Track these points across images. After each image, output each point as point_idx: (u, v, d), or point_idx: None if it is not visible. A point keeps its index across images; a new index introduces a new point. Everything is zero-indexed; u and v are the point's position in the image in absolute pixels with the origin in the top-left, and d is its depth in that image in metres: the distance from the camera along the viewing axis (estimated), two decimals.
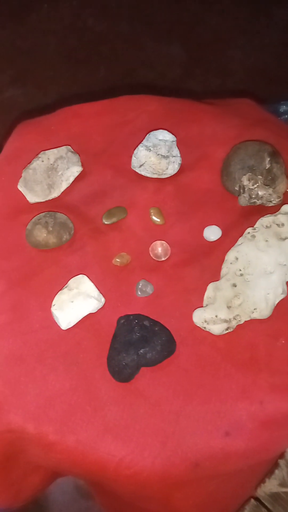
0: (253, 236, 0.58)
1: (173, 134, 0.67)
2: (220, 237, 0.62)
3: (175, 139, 0.67)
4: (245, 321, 0.55)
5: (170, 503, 0.54)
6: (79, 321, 0.57)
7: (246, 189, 0.59)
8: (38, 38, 1.53)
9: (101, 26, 1.55)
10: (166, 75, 1.43)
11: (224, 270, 0.58)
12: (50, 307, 0.58)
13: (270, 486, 0.53)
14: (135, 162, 0.66)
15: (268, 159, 0.60)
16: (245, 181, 0.59)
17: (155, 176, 0.66)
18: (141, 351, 0.53)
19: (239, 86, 1.37)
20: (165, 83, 1.42)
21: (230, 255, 0.58)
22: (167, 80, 1.43)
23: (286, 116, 1.17)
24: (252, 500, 0.53)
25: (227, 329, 0.55)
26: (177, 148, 0.66)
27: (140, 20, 1.55)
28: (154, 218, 0.64)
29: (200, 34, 1.50)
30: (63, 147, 0.68)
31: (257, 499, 0.53)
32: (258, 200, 0.60)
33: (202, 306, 0.57)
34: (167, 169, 0.65)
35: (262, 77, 1.40)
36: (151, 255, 0.62)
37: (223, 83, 1.39)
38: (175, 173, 0.66)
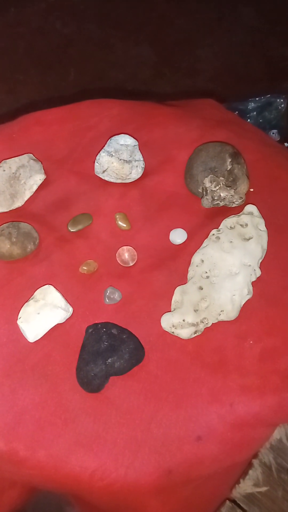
0: (218, 238, 0.58)
1: (135, 137, 0.67)
2: (186, 239, 0.61)
3: (136, 143, 0.66)
4: (213, 323, 0.55)
5: (146, 511, 0.53)
6: (47, 332, 0.57)
7: (208, 191, 0.59)
8: (5, 42, 1.51)
9: (70, 28, 1.54)
10: (136, 77, 1.43)
11: (190, 273, 0.58)
12: (17, 319, 0.57)
13: (245, 487, 0.53)
14: (98, 168, 0.65)
15: (229, 160, 0.60)
16: (207, 183, 0.59)
17: (119, 181, 0.66)
18: (109, 360, 0.52)
19: (208, 85, 1.38)
20: (136, 84, 1.42)
21: (196, 258, 0.58)
22: (138, 82, 1.42)
23: (255, 113, 1.18)
24: (228, 502, 0.53)
25: (195, 332, 0.55)
26: (139, 152, 0.66)
27: (108, 21, 1.54)
28: (120, 223, 0.63)
29: (168, 35, 1.50)
30: (24, 155, 0.67)
31: (232, 500, 0.54)
32: (220, 201, 0.60)
33: (170, 311, 0.56)
34: (130, 173, 0.65)
35: (231, 76, 1.40)
36: (118, 261, 0.61)
37: (192, 83, 1.39)
38: (139, 177, 0.66)
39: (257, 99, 1.20)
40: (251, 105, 1.19)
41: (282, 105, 1.21)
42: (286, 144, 1.16)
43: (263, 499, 0.53)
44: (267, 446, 0.55)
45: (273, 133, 1.20)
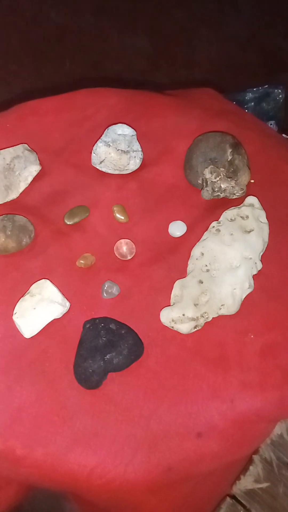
0: (218, 230, 0.57)
1: (134, 127, 0.65)
2: (185, 232, 0.60)
3: (135, 133, 0.64)
4: (213, 318, 0.54)
5: (146, 508, 0.53)
6: (44, 328, 0.55)
7: (208, 182, 0.58)
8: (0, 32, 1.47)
9: (64, 18, 1.51)
10: (132, 67, 1.41)
11: (190, 266, 0.57)
12: (12, 315, 0.55)
13: (246, 483, 0.52)
14: (95, 159, 0.64)
15: (230, 150, 0.59)
16: (207, 174, 0.58)
17: (116, 172, 0.64)
18: (108, 356, 0.51)
19: (205, 76, 1.36)
20: (131, 75, 1.39)
21: (196, 251, 0.57)
22: (134, 72, 1.40)
23: (252, 103, 1.16)
24: (228, 498, 0.53)
25: (195, 327, 0.54)
26: (137, 142, 0.64)
27: (104, 11, 1.51)
28: (118, 215, 0.62)
29: (165, 25, 1.48)
30: (19, 145, 0.65)
31: (233, 497, 0.53)
32: (221, 193, 0.59)
33: (170, 305, 0.55)
34: (128, 164, 0.63)
35: (228, 67, 1.39)
36: (116, 255, 0.60)
37: (189, 74, 1.37)
38: (137, 168, 0.64)
39: (254, 89, 1.19)
40: (249, 95, 1.18)
41: (280, 96, 1.20)
42: (284, 135, 1.15)
43: (263, 495, 0.53)
44: (267, 442, 0.54)
45: (270, 124, 1.19)
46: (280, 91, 1.19)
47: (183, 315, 0.53)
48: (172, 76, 1.38)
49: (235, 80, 1.34)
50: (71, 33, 1.47)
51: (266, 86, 1.19)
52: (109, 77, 1.37)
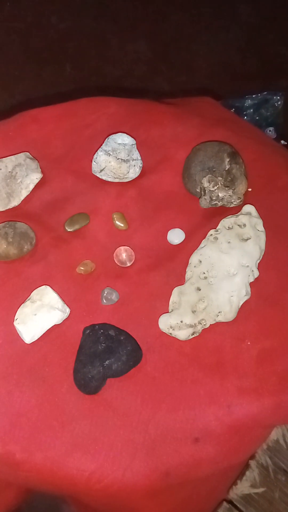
0: (216, 238, 0.58)
1: (133, 136, 0.66)
2: (184, 240, 0.61)
3: (134, 142, 0.65)
4: (211, 324, 0.55)
5: None
6: (44, 333, 0.56)
7: (206, 191, 0.59)
8: (1, 37, 1.48)
9: (65, 23, 1.52)
10: (132, 73, 1.42)
11: (188, 273, 0.57)
12: (13, 321, 0.56)
13: (242, 488, 0.53)
14: (95, 167, 0.65)
15: (228, 160, 0.60)
16: (205, 183, 0.59)
17: (116, 180, 0.65)
18: (107, 362, 0.52)
19: (204, 81, 1.37)
20: (131, 80, 1.40)
21: (194, 258, 0.58)
22: (134, 78, 1.41)
23: (251, 110, 1.17)
24: (225, 503, 0.53)
25: (193, 334, 0.54)
26: (137, 151, 0.65)
27: (104, 17, 1.52)
28: (118, 223, 0.63)
29: (164, 31, 1.49)
30: (21, 153, 0.66)
31: (229, 501, 0.54)
32: (219, 201, 0.60)
33: (168, 312, 0.56)
34: (128, 173, 0.64)
35: (227, 73, 1.40)
36: (116, 262, 0.61)
37: (188, 79, 1.39)
38: (137, 177, 0.65)
39: (253, 96, 1.20)
40: (248, 102, 1.19)
41: (279, 102, 1.21)
42: (282, 141, 1.16)
43: (260, 500, 0.54)
44: (264, 447, 0.55)
45: (269, 131, 1.20)
46: (278, 97, 1.20)
47: (181, 321, 0.54)
48: (172, 81, 1.39)
49: (234, 86, 1.35)
50: (72, 38, 1.48)
51: (265, 92, 1.20)
52: (109, 82, 1.38)
